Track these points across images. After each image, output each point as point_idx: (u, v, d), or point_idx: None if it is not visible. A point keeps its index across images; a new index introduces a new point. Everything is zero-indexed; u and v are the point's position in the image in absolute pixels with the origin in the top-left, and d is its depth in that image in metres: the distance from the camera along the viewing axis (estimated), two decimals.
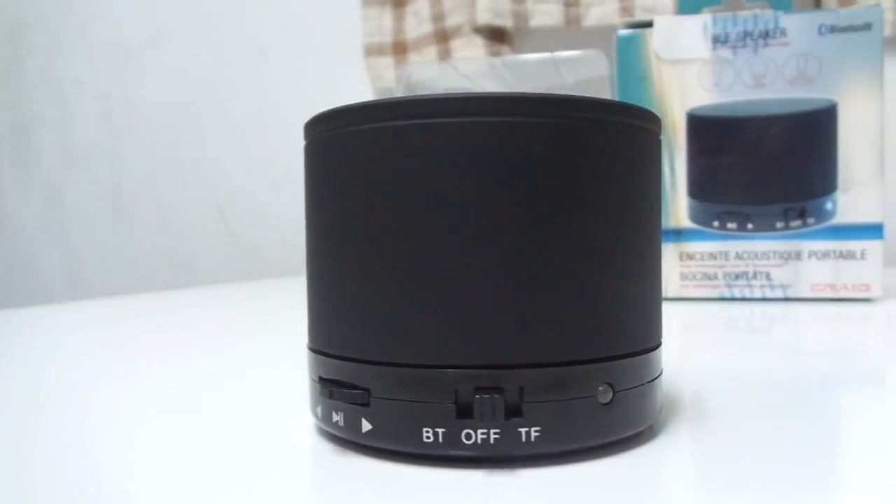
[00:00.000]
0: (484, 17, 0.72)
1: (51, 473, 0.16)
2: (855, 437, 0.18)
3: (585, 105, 0.16)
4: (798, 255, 0.42)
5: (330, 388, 0.16)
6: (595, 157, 0.16)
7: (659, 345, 0.17)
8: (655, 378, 0.17)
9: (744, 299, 0.43)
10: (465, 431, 0.15)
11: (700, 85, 0.43)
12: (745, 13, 0.43)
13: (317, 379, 0.17)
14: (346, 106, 0.17)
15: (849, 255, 0.42)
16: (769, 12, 0.43)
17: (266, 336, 0.36)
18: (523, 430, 0.15)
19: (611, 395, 0.16)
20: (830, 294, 0.42)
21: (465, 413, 0.15)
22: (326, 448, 0.17)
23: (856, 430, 0.18)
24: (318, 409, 0.17)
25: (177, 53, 0.90)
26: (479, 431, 0.15)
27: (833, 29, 0.41)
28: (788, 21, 0.42)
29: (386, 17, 0.80)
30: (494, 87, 0.53)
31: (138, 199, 0.94)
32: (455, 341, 0.15)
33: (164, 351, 0.31)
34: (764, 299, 0.43)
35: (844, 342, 0.33)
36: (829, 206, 0.42)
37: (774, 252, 0.43)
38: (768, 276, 0.43)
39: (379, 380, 0.16)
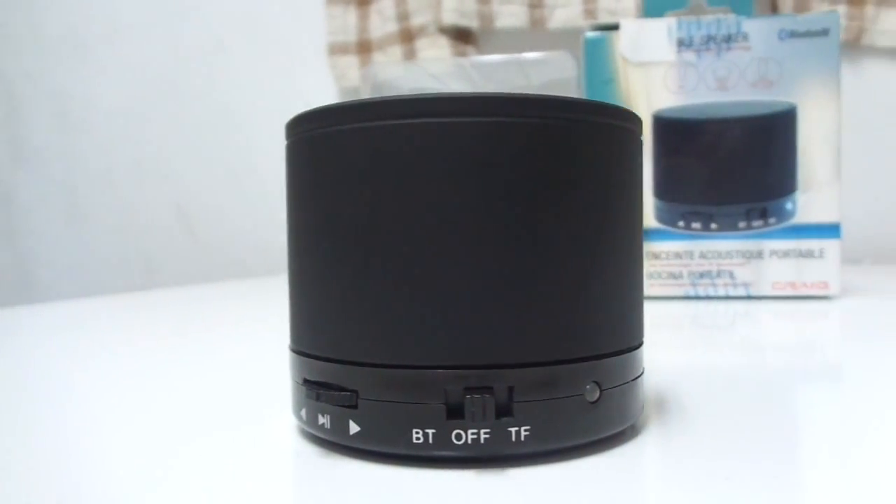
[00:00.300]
0: (450, 18, 0.72)
1: (26, 482, 0.16)
2: (823, 429, 0.18)
3: (571, 106, 0.16)
4: (760, 255, 0.43)
5: (317, 391, 0.16)
6: (580, 158, 0.16)
7: (641, 343, 0.18)
8: (639, 376, 0.17)
9: (708, 298, 0.44)
10: (456, 432, 0.15)
11: (665, 87, 0.44)
12: (709, 17, 0.44)
13: (301, 381, 0.17)
14: (330, 105, 0.16)
15: (808, 254, 0.43)
16: (731, 17, 0.43)
17: (231, 338, 0.35)
18: (513, 430, 0.15)
19: (598, 393, 0.16)
20: (791, 292, 0.43)
21: (455, 413, 0.15)
22: (311, 451, 0.17)
23: (823, 422, 0.19)
24: (303, 412, 0.17)
25: (134, 48, 0.88)
26: (470, 432, 0.15)
27: (792, 34, 0.43)
28: (750, 26, 0.43)
29: (350, 16, 0.80)
30: (461, 87, 0.53)
31: (94, 199, 0.92)
32: (444, 342, 0.15)
33: (124, 356, 0.30)
34: (727, 297, 0.44)
35: (806, 338, 0.34)
36: (789, 206, 0.43)
37: (737, 251, 0.44)
38: (731, 275, 0.44)
39: (367, 381, 0.15)
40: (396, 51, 0.79)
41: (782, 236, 0.43)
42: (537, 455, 0.15)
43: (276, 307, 0.49)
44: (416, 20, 0.77)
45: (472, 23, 0.72)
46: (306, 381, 0.17)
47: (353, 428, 0.16)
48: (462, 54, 0.76)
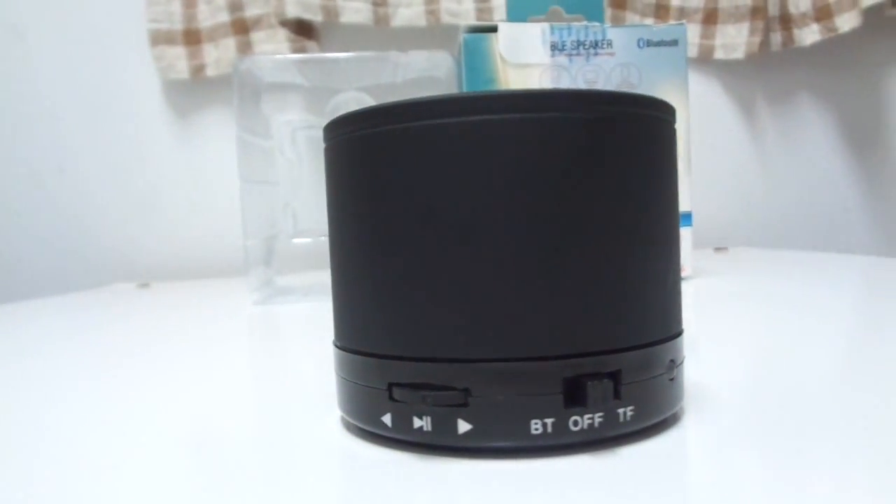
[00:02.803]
0: (293, 11, 0.70)
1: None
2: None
3: (619, 99, 0.17)
4: None
5: (421, 393, 0.15)
6: (646, 149, 0.17)
7: None
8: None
9: None
10: (573, 418, 0.15)
11: (542, 88, 0.47)
12: (578, 24, 0.47)
13: (384, 387, 0.16)
14: (388, 104, 0.16)
15: None
16: (597, 25, 0.47)
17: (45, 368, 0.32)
18: (621, 411, 0.16)
19: (674, 370, 0.17)
20: None
21: (573, 401, 0.15)
22: (403, 457, 0.16)
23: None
24: (387, 418, 0.16)
25: None
26: (586, 417, 0.15)
27: (649, 43, 0.48)
28: (614, 34, 0.47)
29: (174, 3, 0.74)
30: (333, 83, 0.52)
31: None
32: (562, 331, 0.15)
33: None
34: None
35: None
36: None
37: None
38: None
39: (480, 378, 0.15)
40: (230, 43, 0.75)
41: None
42: (636, 433, 0.16)
43: (111, 325, 0.44)
44: (252, 11, 0.74)
45: (316, 16, 0.71)
46: (396, 386, 0.16)
47: (463, 427, 0.15)
48: (302, 49, 0.74)
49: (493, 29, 0.47)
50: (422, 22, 0.73)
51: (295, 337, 0.37)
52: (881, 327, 0.30)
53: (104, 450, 0.18)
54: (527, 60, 0.47)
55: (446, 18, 0.73)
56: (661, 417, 0.17)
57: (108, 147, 0.77)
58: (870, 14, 0.73)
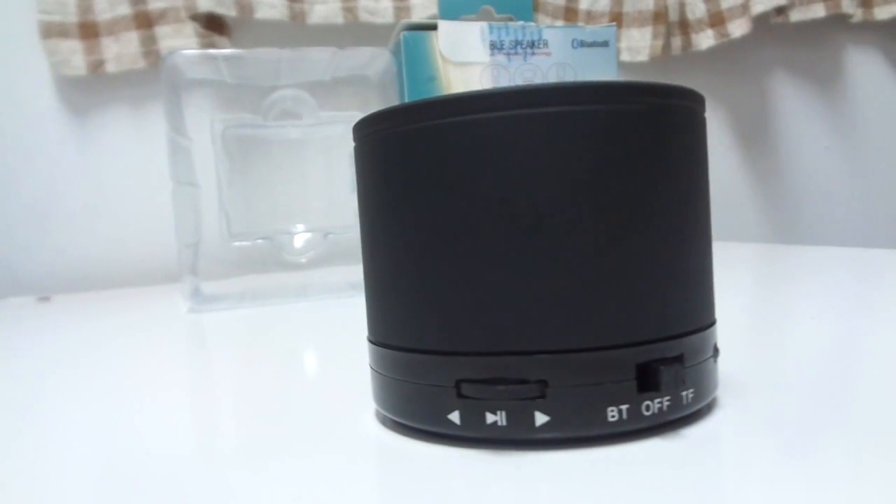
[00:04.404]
0: (205, 4, 0.66)
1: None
2: None
3: (653, 91, 0.17)
4: None
5: (495, 388, 0.15)
6: (696, 141, 0.17)
7: None
8: None
9: None
10: (645, 403, 0.16)
11: (482, 86, 0.47)
12: (516, 24, 0.48)
13: (451, 384, 0.16)
14: (428, 100, 0.16)
15: None
16: (533, 25, 0.48)
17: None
18: (684, 394, 0.16)
19: (717, 354, 0.18)
20: None
21: (646, 386, 0.16)
22: (481, 454, 0.16)
23: None
24: (455, 416, 0.16)
25: None
26: (656, 402, 0.16)
27: (582, 43, 0.49)
28: (549, 34, 0.48)
29: None
30: (260, 80, 0.50)
31: None
32: (635, 318, 0.16)
33: None
34: None
35: None
36: None
37: None
38: None
39: (557, 369, 0.15)
40: (132, 37, 0.70)
41: None
42: (693, 415, 0.17)
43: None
44: (156, 4, 0.70)
45: (229, 11, 0.68)
46: (466, 382, 0.16)
47: (541, 419, 0.15)
48: (212, 45, 0.71)
49: (433, 27, 0.47)
50: (339, 19, 0.72)
51: (256, 343, 0.35)
52: (778, 306, 0.33)
53: (116, 462, 0.17)
54: (467, 59, 0.47)
55: (364, 16, 0.72)
56: (710, 399, 0.17)
57: None
58: (758, 21, 0.79)
